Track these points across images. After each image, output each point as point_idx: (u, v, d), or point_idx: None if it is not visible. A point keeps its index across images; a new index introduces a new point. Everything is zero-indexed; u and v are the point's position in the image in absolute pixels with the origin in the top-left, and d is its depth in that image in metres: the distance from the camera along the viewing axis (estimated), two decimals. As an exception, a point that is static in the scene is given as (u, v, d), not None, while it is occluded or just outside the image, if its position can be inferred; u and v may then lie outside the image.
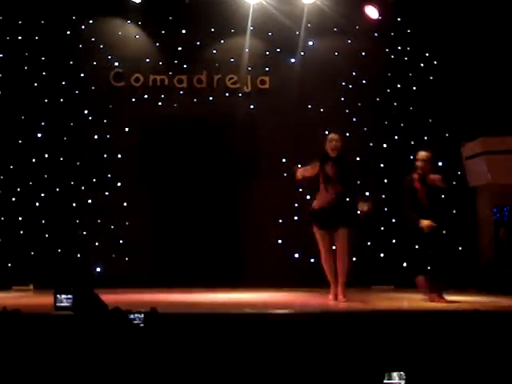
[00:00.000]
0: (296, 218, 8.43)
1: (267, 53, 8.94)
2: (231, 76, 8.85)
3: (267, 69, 8.90)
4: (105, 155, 8.69)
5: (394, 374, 3.71)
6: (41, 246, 8.48)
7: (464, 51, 8.65)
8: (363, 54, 8.88)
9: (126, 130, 8.76)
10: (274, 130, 8.61)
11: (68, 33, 8.83)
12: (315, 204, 6.37)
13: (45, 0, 8.78)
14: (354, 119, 8.80)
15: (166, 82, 8.82)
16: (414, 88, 8.87)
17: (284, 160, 8.65)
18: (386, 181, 8.55)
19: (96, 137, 8.70)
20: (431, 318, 4.85)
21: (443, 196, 8.56)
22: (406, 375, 3.70)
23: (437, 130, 8.71)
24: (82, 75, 8.78)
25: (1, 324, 4.25)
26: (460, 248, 8.54)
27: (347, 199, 6.27)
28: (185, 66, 8.89)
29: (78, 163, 8.65)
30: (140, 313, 4.32)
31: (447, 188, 6.45)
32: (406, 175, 6.52)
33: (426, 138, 8.66)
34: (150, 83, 8.81)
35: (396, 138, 8.73)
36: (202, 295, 7.04)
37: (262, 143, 8.69)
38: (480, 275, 8.02)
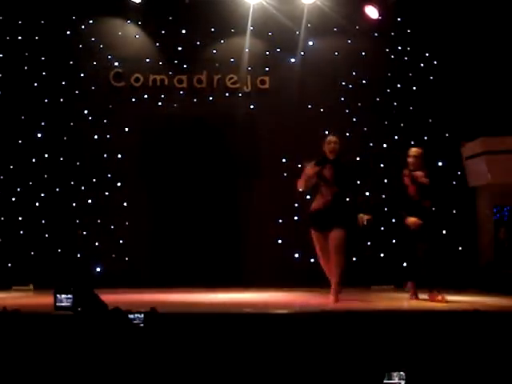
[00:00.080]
0: (296, 218, 8.43)
1: (267, 53, 8.93)
2: (231, 76, 8.85)
3: (267, 69, 8.90)
4: (105, 155, 8.69)
5: (394, 374, 3.71)
6: (41, 245, 8.47)
7: (464, 51, 8.65)
8: (363, 53, 8.88)
9: (126, 130, 8.76)
10: (274, 130, 8.61)
11: (68, 33, 8.82)
12: (313, 206, 6.40)
13: (45, 0, 8.78)
14: (354, 119, 8.80)
15: (166, 82, 8.82)
16: (414, 88, 8.87)
17: (284, 160, 8.66)
18: (386, 181, 8.54)
19: (96, 137, 8.70)
20: (431, 318, 4.85)
21: (443, 195, 8.62)
22: (405, 375, 3.70)
23: (437, 129, 8.71)
24: (82, 75, 8.78)
25: (1, 324, 4.25)
26: (460, 248, 8.54)
27: (344, 201, 6.27)
28: (185, 66, 8.89)
29: (78, 163, 8.65)
30: (140, 313, 4.32)
31: (427, 184, 6.46)
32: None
33: (425, 137, 8.66)
34: (150, 83, 8.81)
35: (396, 138, 8.73)
36: (201, 295, 7.05)
37: (262, 143, 8.69)
38: (480, 275, 8.02)
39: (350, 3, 8.84)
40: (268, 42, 8.93)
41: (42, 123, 8.68)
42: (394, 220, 8.45)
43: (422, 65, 8.91)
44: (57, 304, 4.95)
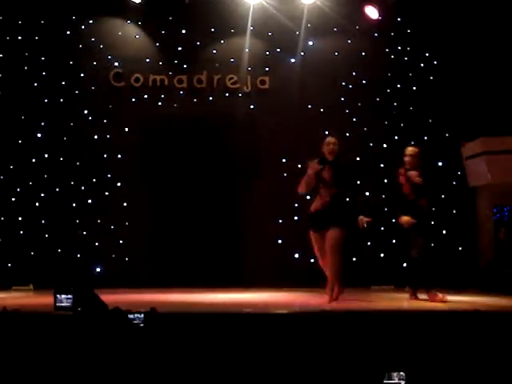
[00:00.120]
0: (296, 218, 8.43)
1: (267, 53, 8.94)
2: (231, 76, 8.85)
3: (267, 69, 8.90)
4: (105, 155, 8.69)
5: (394, 374, 3.71)
6: (41, 245, 8.47)
7: (464, 51, 8.65)
8: (363, 54, 8.88)
9: (126, 130, 8.76)
10: (274, 130, 8.61)
11: (68, 33, 8.83)
12: (312, 207, 6.41)
13: (45, 0, 8.78)
14: (354, 119, 8.80)
15: (166, 82, 8.82)
16: (414, 88, 8.87)
17: (284, 160, 8.66)
18: (386, 181, 8.54)
19: (96, 137, 8.70)
20: (431, 318, 4.85)
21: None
22: (405, 375, 3.70)
23: (437, 129, 8.71)
24: (82, 75, 8.78)
25: (1, 324, 4.25)
26: (460, 248, 8.54)
27: (342, 202, 6.27)
28: (185, 66, 8.89)
29: (78, 163, 8.65)
30: (140, 313, 4.32)
31: (421, 184, 6.49)
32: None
33: (425, 137, 8.66)
34: (150, 83, 8.81)
35: (396, 138, 8.73)
36: (201, 295, 7.04)
37: (262, 143, 8.69)
38: (480, 275, 8.02)
39: (350, 3, 8.84)
40: (268, 41, 8.93)
41: (42, 123, 8.68)
42: (393, 220, 8.48)
43: (422, 65, 8.91)
44: (57, 304, 4.95)
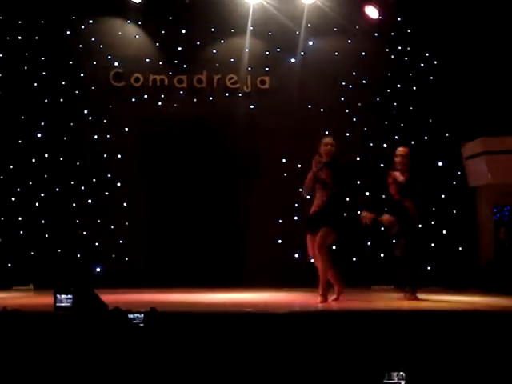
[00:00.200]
0: (296, 218, 8.43)
1: (267, 53, 8.93)
2: (231, 76, 8.85)
3: (267, 69, 8.90)
4: (105, 155, 8.69)
5: (394, 374, 3.71)
6: (41, 245, 8.47)
7: (464, 51, 8.65)
8: (363, 53, 8.88)
9: (126, 130, 8.75)
10: (274, 130, 8.61)
11: (68, 33, 8.82)
12: (311, 209, 6.41)
13: (45, 0, 8.78)
14: (354, 119, 8.80)
15: (166, 82, 8.82)
16: (414, 88, 8.87)
17: (284, 160, 8.66)
18: (386, 181, 8.53)
19: (96, 137, 8.70)
20: (431, 318, 4.85)
21: (443, 195, 8.63)
22: (405, 375, 3.70)
23: (437, 130, 8.71)
24: (82, 75, 8.78)
25: (1, 324, 4.25)
26: (460, 248, 8.54)
27: (337, 203, 6.28)
28: (185, 66, 8.89)
29: (78, 163, 8.65)
30: (140, 313, 4.32)
31: (403, 183, 6.54)
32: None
33: (426, 137, 8.66)
34: (150, 83, 8.81)
35: (396, 138, 8.72)
36: (201, 295, 7.04)
37: (262, 143, 8.69)
38: (480, 275, 8.02)
39: (350, 3, 8.84)
40: (268, 42, 8.93)
41: (42, 123, 8.67)
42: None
43: (422, 65, 8.90)
44: (57, 304, 4.94)
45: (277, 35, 8.89)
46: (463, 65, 8.65)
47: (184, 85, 8.83)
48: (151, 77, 8.82)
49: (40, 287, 8.00)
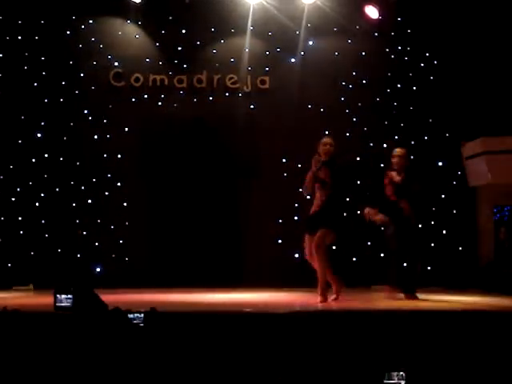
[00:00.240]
0: (296, 218, 8.43)
1: (267, 53, 8.93)
2: (231, 76, 8.85)
3: (267, 69, 8.90)
4: (105, 155, 8.69)
5: (394, 374, 3.71)
6: (41, 245, 8.47)
7: (464, 51, 8.65)
8: (363, 53, 8.88)
9: (126, 130, 8.75)
10: (274, 130, 8.61)
11: (68, 33, 8.83)
12: (311, 209, 6.42)
13: (45, 0, 8.78)
14: (354, 119, 8.80)
15: (166, 82, 8.82)
16: (414, 88, 8.87)
17: (284, 160, 8.66)
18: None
19: (96, 137, 8.70)
20: (431, 318, 4.85)
21: (443, 195, 8.63)
22: (405, 375, 3.70)
23: (437, 130, 8.71)
24: (82, 75, 8.78)
25: (1, 324, 4.25)
26: (460, 248, 8.54)
27: (336, 203, 6.28)
28: (185, 66, 8.89)
29: (78, 163, 8.65)
30: (140, 312, 4.32)
31: (399, 183, 6.55)
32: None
33: (426, 137, 8.66)
34: (150, 83, 8.81)
35: (396, 137, 8.72)
36: (201, 295, 7.04)
37: (262, 143, 8.69)
38: (480, 275, 8.02)
39: (350, 3, 8.84)
40: (268, 42, 8.93)
41: (42, 123, 8.68)
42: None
43: (422, 65, 8.91)
44: (57, 304, 4.94)
45: (277, 35, 8.89)
46: (463, 65, 8.65)
47: (184, 85, 8.83)
48: (151, 77, 8.82)
49: (40, 287, 8.00)
